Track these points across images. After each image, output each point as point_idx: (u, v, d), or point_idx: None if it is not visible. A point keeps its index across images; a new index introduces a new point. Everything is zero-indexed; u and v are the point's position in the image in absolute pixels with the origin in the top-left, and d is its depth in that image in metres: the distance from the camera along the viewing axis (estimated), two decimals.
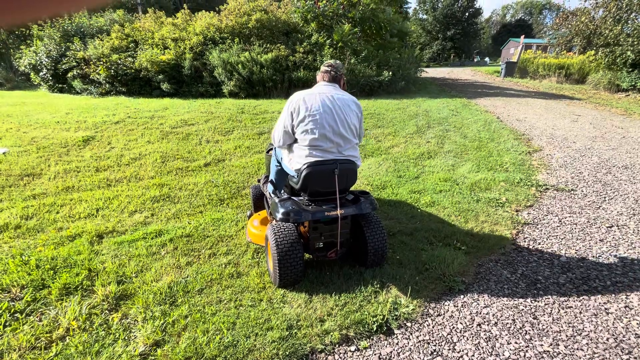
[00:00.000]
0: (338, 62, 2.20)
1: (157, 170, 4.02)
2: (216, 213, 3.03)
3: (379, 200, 3.29)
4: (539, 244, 2.52)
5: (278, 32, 10.44)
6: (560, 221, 2.83)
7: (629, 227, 2.70)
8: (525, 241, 2.56)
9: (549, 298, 1.92)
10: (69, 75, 9.90)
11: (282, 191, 2.41)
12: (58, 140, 4.98)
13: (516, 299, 1.93)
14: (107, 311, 1.87)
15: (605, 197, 3.24)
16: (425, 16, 50.88)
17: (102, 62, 9.32)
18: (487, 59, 52.91)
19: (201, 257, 2.38)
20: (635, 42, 10.24)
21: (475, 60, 52.33)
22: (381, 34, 11.52)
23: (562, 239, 2.57)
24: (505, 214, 2.96)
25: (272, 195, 2.39)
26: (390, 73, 9.78)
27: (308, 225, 2.04)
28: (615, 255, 2.35)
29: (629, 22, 10.86)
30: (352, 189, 2.23)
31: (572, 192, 3.41)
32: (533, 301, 1.90)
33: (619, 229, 2.69)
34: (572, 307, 1.85)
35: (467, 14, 50.57)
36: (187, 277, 2.16)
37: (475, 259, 2.34)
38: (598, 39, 11.79)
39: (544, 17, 76.40)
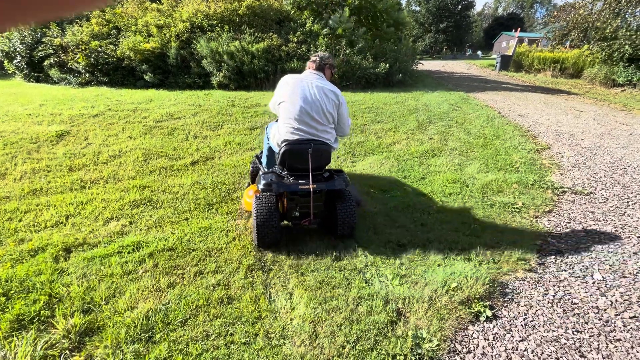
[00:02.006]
0: (326, 53, 2.44)
1: (139, 170, 3.64)
2: (203, 220, 2.69)
3: (384, 205, 2.99)
4: (567, 257, 2.26)
5: (270, 20, 9.95)
6: (585, 230, 2.58)
7: None
8: (551, 254, 2.30)
9: (592, 328, 1.66)
10: (45, 63, 9.26)
11: (276, 167, 2.49)
12: (28, 135, 4.52)
13: (555, 329, 1.66)
14: (67, 351, 1.53)
15: (628, 202, 3.01)
16: (418, 8, 50.42)
17: (81, 50, 8.71)
18: (479, 52, 52.92)
19: (185, 277, 2.05)
20: (634, 37, 10.11)
21: (467, 53, 52.29)
22: (377, 24, 11.12)
23: (591, 251, 2.32)
24: (524, 221, 2.70)
25: (261, 168, 2.71)
26: (387, 65, 9.44)
27: (286, 196, 2.29)
28: None
29: (628, 16, 10.72)
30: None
31: (591, 195, 3.17)
32: (575, 332, 1.63)
33: None
34: (620, 339, 1.59)
35: (459, 6, 50.31)
36: (169, 303, 1.83)
37: (498, 276, 2.06)
38: (595, 32, 11.64)
39: (535, 11, 76.78)
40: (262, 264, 2.18)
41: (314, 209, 2.27)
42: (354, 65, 9.27)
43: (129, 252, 2.26)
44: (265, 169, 2.59)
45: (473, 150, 4.48)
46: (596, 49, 12.08)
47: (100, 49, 8.73)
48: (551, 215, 2.81)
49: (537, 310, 1.79)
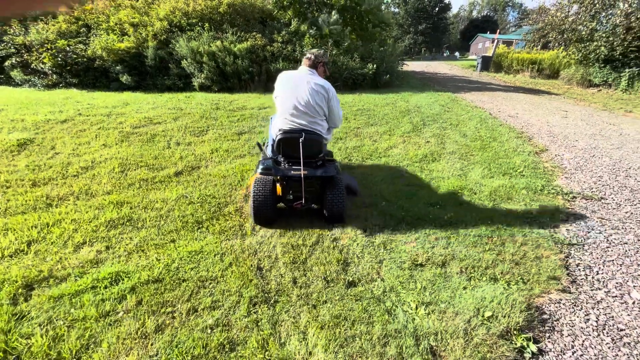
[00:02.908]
0: (320, 51, 2.61)
1: (115, 183, 3.24)
2: (193, 243, 2.36)
3: (392, 216, 2.76)
4: (598, 273, 2.10)
5: (253, 19, 9.58)
6: (607, 240, 2.44)
7: None
8: (580, 270, 2.13)
9: None
10: (6, 64, 8.49)
11: (279, 156, 2.58)
12: None
13: None
14: None
15: None
16: (397, 10, 51.12)
17: (47, 49, 8.03)
18: (456, 53, 54.26)
19: (176, 317, 1.72)
20: (610, 38, 10.45)
21: (445, 54, 53.52)
22: (362, 25, 10.97)
23: (620, 264, 2.17)
24: (542, 232, 2.53)
25: (262, 155, 2.97)
26: (375, 66, 9.29)
27: (280, 180, 2.50)
28: None
29: (602, 18, 11.08)
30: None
31: (602, 200, 3.07)
32: None
33: None
34: None
35: (436, 8, 51.49)
36: (157, 354, 1.50)
37: (532, 299, 1.86)
38: (572, 34, 11.99)
39: (507, 14, 79.74)
40: (266, 294, 1.89)
41: (306, 193, 2.46)
42: (341, 66, 9.06)
43: (105, 287, 1.91)
44: (267, 156, 2.73)
45: (472, 153, 4.34)
46: (573, 50, 12.47)
47: (68, 48, 8.08)
48: (568, 225, 2.67)
49: (584, 341, 1.59)
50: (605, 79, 11.49)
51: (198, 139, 4.63)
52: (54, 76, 8.24)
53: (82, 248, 2.29)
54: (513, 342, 1.57)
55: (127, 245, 2.33)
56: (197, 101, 6.82)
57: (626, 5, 10.31)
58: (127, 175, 3.45)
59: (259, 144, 3.12)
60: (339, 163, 2.55)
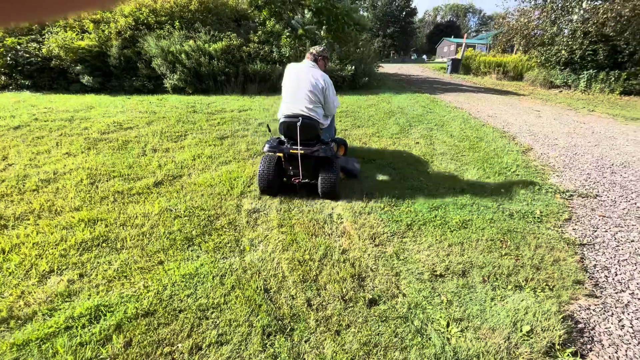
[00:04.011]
0: (321, 48, 2.96)
1: (85, 198, 2.83)
2: (186, 264, 2.06)
3: (396, 221, 2.61)
4: (616, 274, 2.06)
5: (227, 18, 9.19)
6: (615, 239, 2.44)
7: None
8: (597, 271, 2.09)
9: None
10: None
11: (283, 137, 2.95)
12: None
13: None
14: None
15: (635, 203, 2.99)
16: (366, 13, 52.17)
17: None
18: (424, 56, 56.22)
19: (177, 358, 1.44)
20: (570, 43, 11.13)
21: (413, 57, 55.28)
22: (338, 26, 10.90)
23: (634, 264, 2.16)
24: (551, 233, 2.49)
25: (270, 136, 3.48)
26: (353, 67, 9.23)
27: (284, 158, 2.90)
28: None
29: (561, 24, 11.81)
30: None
31: (597, 197, 3.12)
32: None
33: None
34: None
35: (404, 13, 53.14)
36: None
37: (563, 307, 1.77)
38: (535, 38, 12.69)
39: (468, 20, 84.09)
40: (280, 322, 1.65)
41: (303, 170, 2.85)
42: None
43: (84, 327, 1.58)
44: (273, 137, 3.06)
45: (463, 154, 4.33)
46: (535, 53, 13.19)
47: (19, 47, 7.27)
48: (573, 224, 2.65)
49: (626, 351, 1.51)
50: (565, 80, 12.25)
51: (176, 144, 4.25)
52: (2, 77, 7.39)
53: (50, 278, 1.92)
54: (559, 359, 1.45)
55: (105, 271, 1.99)
56: (171, 104, 6.36)
57: (582, 12, 11.05)
58: (97, 187, 3.04)
59: (267, 126, 3.47)
60: (333, 146, 2.99)
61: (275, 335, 1.57)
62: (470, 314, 1.72)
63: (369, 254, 2.23)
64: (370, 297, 1.84)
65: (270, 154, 2.93)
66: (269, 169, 2.82)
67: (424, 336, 1.58)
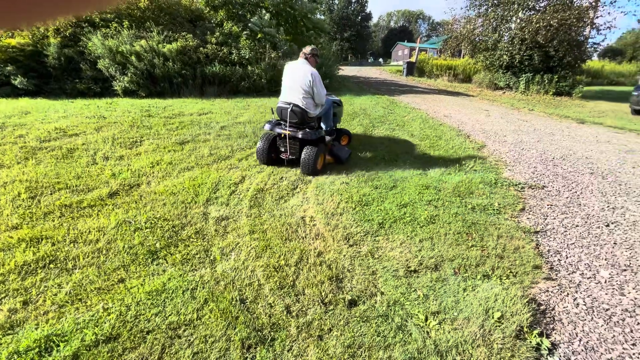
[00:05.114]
0: (313, 47, 3.51)
1: (24, 214, 2.51)
2: (151, 280, 1.90)
3: (368, 220, 2.64)
4: (567, 257, 2.27)
5: (182, 18, 8.77)
6: (562, 225, 2.69)
7: (621, 224, 2.72)
8: (551, 256, 2.28)
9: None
10: None
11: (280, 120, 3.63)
12: None
13: (612, 346, 1.53)
14: None
15: (575, 192, 3.32)
16: (323, 17, 52.97)
17: None
18: (380, 59, 58.32)
19: None
20: (510, 48, 12.19)
21: (370, 60, 57.12)
22: (297, 29, 10.92)
23: (580, 247, 2.38)
24: (509, 223, 2.68)
25: (273, 118, 3.80)
26: None
27: (277, 135, 3.62)
28: None
29: (502, 31, 12.91)
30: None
31: (545, 188, 3.42)
32: (632, 346, 1.53)
33: (615, 225, 2.68)
34: None
35: (359, 17, 54.74)
36: None
37: (527, 292, 1.91)
38: (480, 44, 13.72)
39: (419, 25, 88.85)
40: (259, 332, 1.58)
41: (290, 148, 3.55)
42: (280, 69, 8.82)
43: None
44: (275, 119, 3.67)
45: (425, 152, 4.52)
46: (480, 58, 14.27)
47: None
48: (527, 214, 2.88)
49: (583, 327, 1.65)
50: (507, 82, 13.39)
51: (131, 151, 3.94)
52: None
53: None
54: (528, 340, 1.55)
55: (55, 295, 1.77)
56: (123, 108, 5.90)
57: (519, 20, 12.18)
58: (40, 202, 2.72)
59: (272, 109, 3.76)
60: (320, 132, 3.56)
61: (255, 347, 1.50)
62: (446, 306, 1.78)
63: (344, 255, 2.22)
64: (350, 298, 1.83)
65: (270, 132, 3.68)
66: (266, 142, 3.62)
67: (405, 332, 1.61)
